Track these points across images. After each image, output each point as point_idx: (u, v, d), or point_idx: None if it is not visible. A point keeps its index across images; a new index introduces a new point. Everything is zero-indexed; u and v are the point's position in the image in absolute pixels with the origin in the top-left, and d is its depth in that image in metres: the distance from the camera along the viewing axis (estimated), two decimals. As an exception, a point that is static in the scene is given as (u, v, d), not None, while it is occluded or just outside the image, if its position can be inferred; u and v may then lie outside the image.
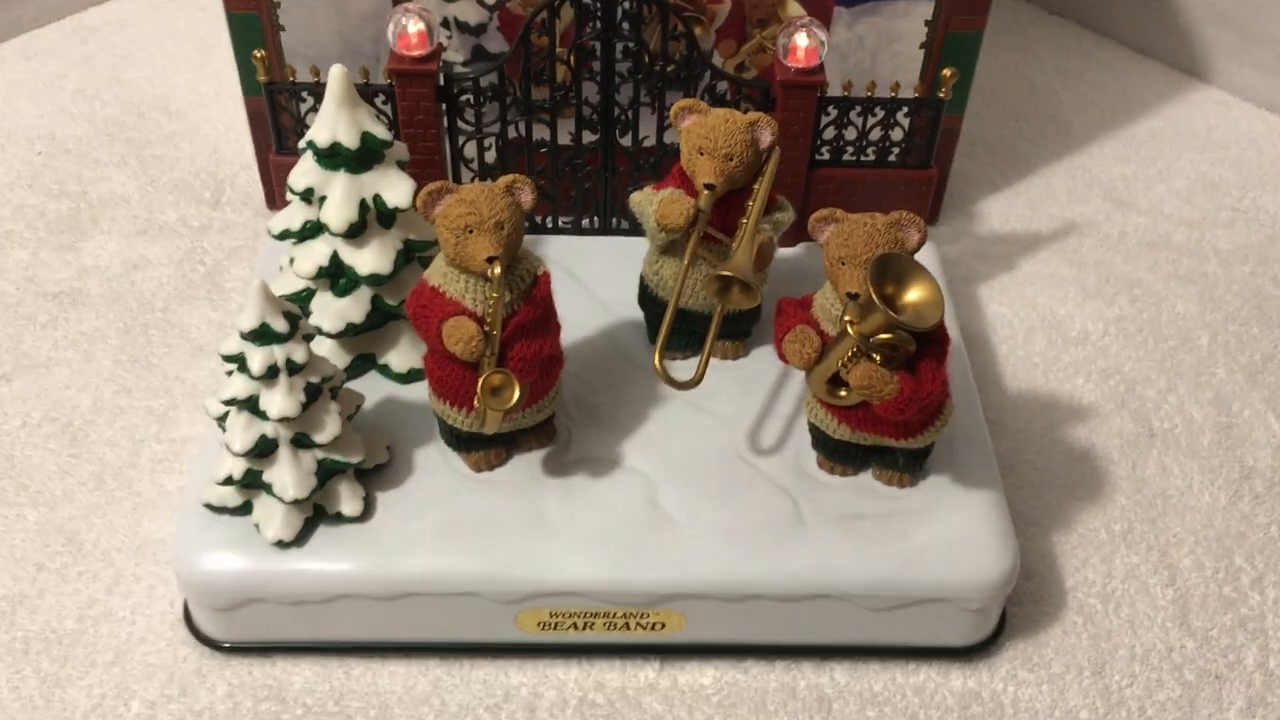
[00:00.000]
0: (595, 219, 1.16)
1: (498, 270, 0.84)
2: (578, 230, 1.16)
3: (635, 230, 1.16)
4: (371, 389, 1.00)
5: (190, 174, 1.35)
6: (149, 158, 1.37)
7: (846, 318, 0.85)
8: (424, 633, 0.94)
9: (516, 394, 0.86)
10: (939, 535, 0.92)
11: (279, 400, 0.85)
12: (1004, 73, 1.54)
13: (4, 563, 1.00)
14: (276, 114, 1.08)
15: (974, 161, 1.40)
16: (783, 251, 1.13)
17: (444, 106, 1.07)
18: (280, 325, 0.84)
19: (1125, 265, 1.29)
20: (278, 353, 0.84)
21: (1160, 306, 1.25)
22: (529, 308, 0.88)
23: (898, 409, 0.86)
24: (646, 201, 0.97)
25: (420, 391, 1.00)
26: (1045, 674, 0.96)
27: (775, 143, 0.94)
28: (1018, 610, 1.00)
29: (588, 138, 1.10)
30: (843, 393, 0.88)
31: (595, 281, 1.10)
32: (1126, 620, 1.00)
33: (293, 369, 0.85)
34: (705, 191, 0.94)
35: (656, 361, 0.94)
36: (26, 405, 1.12)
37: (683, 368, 1.04)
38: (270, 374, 0.84)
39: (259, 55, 1.05)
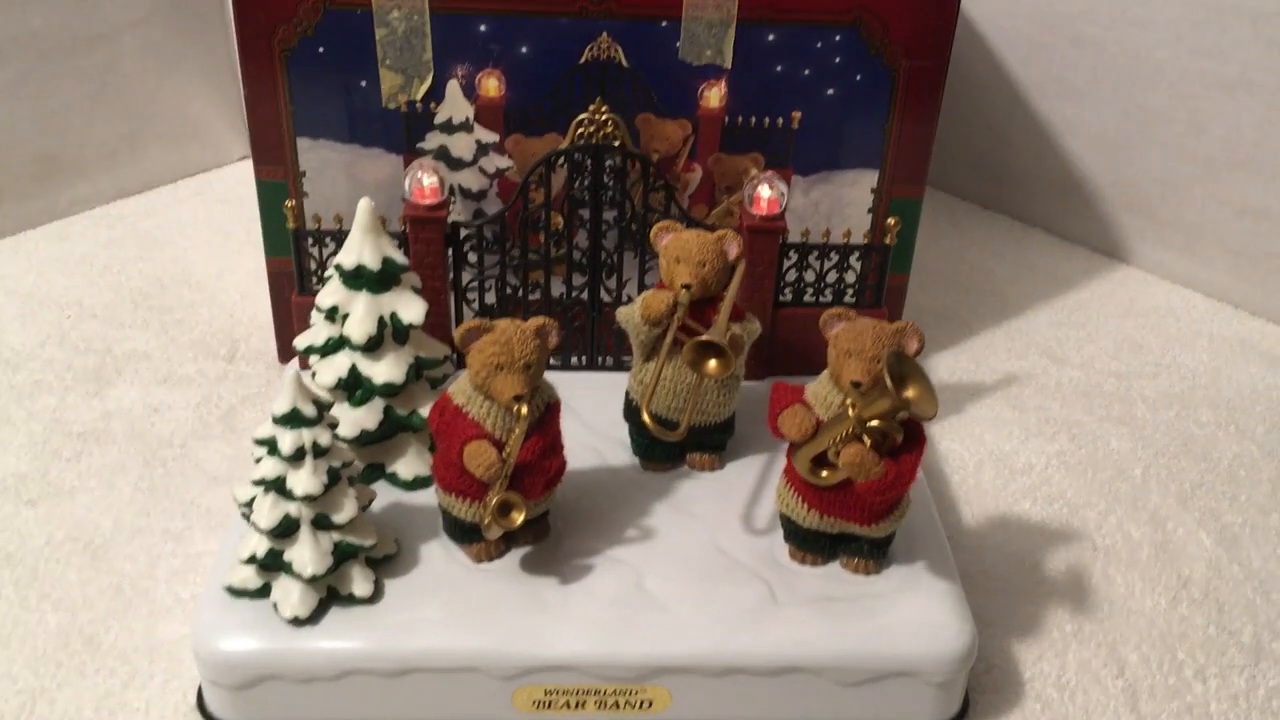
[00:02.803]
0: (583, 358, 1.29)
1: (524, 411, 0.95)
2: (566, 366, 1.28)
3: (619, 366, 1.28)
4: (381, 495, 1.09)
5: (208, 334, 1.48)
6: (170, 322, 1.50)
7: (849, 401, 0.96)
8: (427, 711, 1.00)
9: (523, 516, 0.96)
10: (903, 615, 1.01)
11: (304, 479, 0.94)
12: (946, 255, 1.72)
13: (26, 660, 1.06)
14: (301, 258, 1.22)
15: (921, 325, 1.53)
16: (747, 383, 1.25)
17: (450, 251, 1.21)
18: (309, 410, 0.94)
19: (1063, 410, 1.42)
20: (305, 436, 0.94)
21: (1096, 444, 1.37)
22: (540, 436, 0.98)
23: (879, 489, 0.96)
24: (630, 307, 1.10)
25: (425, 497, 1.09)
26: (1008, 753, 1.03)
27: (741, 255, 1.08)
28: (980, 698, 1.07)
29: (577, 280, 1.24)
30: (824, 473, 0.99)
31: (583, 409, 1.21)
32: (1081, 707, 1.07)
33: (318, 452, 0.95)
34: (683, 290, 1.07)
35: (645, 416, 1.06)
36: (50, 526, 1.19)
37: (664, 479, 1.14)
38: (298, 455, 0.94)
39: (289, 205, 1.19)
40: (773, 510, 1.10)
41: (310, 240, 1.22)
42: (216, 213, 1.74)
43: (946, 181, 1.86)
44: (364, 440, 1.08)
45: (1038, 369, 1.49)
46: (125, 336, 1.47)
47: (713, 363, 1.05)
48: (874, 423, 0.95)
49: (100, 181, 1.73)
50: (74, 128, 1.68)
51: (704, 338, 1.04)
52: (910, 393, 0.93)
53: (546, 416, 1.00)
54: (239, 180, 1.82)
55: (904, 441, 0.97)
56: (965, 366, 1.48)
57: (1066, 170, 1.73)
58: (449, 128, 1.27)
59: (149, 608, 1.12)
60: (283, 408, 0.93)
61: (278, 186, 1.29)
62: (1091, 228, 1.74)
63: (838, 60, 1.25)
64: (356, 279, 1.05)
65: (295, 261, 1.22)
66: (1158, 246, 1.69)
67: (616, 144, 1.17)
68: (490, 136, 1.28)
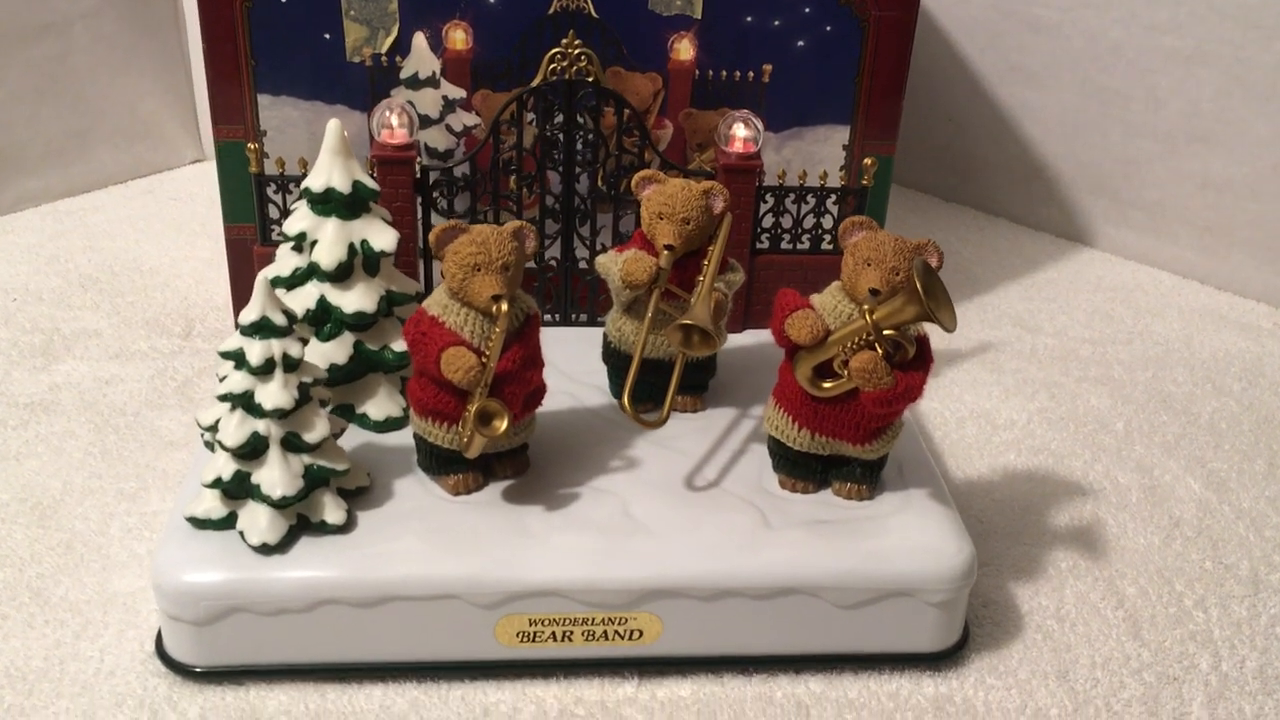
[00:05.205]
0: (556, 315, 1.25)
1: (504, 308, 0.91)
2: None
3: (593, 323, 1.25)
4: (352, 436, 1.04)
5: (162, 315, 1.42)
6: (122, 304, 1.44)
7: (865, 308, 0.94)
8: (402, 648, 0.94)
9: (505, 424, 0.91)
10: (900, 534, 0.97)
11: (274, 393, 0.89)
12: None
13: (-33, 614, 0.99)
14: (264, 205, 1.18)
15: (893, 299, 1.53)
16: (731, 336, 1.22)
17: (419, 200, 1.18)
18: (279, 320, 0.89)
19: (1040, 372, 1.41)
20: (275, 347, 0.89)
21: (1076, 401, 1.36)
22: (520, 346, 0.95)
23: (886, 400, 0.93)
24: (611, 262, 1.07)
25: (396, 438, 1.05)
26: (1013, 679, 0.99)
27: (727, 209, 1.05)
28: (979, 631, 1.03)
29: (550, 228, 1.21)
30: (826, 384, 0.95)
31: (560, 359, 1.16)
32: (1083, 636, 1.03)
33: (288, 365, 0.90)
34: (665, 251, 1.04)
35: (626, 402, 1.01)
36: (-5, 489, 1.13)
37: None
38: (267, 367, 0.89)
39: (252, 147, 1.15)
40: (760, 446, 1.06)
41: (273, 187, 1.18)
42: (169, 209, 1.69)
43: (908, 175, 1.86)
44: (334, 376, 1.03)
45: (1012, 337, 1.48)
46: (74, 317, 1.41)
47: (697, 339, 1.01)
48: (888, 332, 0.93)
49: (48, 178, 1.68)
50: (21, 122, 1.63)
51: (688, 321, 1.00)
52: (935, 302, 0.91)
53: (526, 328, 0.96)
54: (191, 180, 1.78)
55: (915, 358, 0.95)
56: (939, 334, 1.46)
57: (1028, 157, 1.74)
58: (415, 83, 1.24)
59: (102, 563, 1.05)
60: (251, 316, 0.89)
61: (237, 147, 1.25)
62: (1055, 213, 1.74)
63: (807, 11, 1.25)
64: (325, 203, 1.01)
65: (257, 210, 1.18)
66: (1121, 227, 1.69)
67: (590, 79, 1.15)
68: (457, 92, 1.26)
